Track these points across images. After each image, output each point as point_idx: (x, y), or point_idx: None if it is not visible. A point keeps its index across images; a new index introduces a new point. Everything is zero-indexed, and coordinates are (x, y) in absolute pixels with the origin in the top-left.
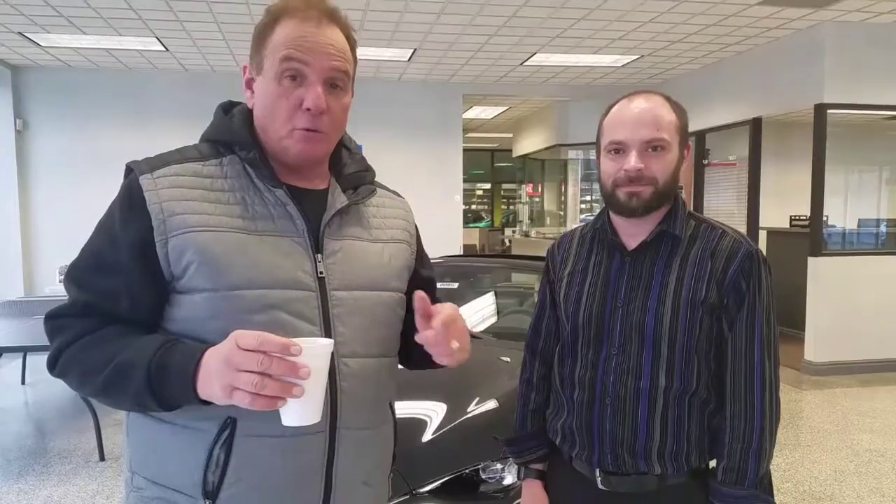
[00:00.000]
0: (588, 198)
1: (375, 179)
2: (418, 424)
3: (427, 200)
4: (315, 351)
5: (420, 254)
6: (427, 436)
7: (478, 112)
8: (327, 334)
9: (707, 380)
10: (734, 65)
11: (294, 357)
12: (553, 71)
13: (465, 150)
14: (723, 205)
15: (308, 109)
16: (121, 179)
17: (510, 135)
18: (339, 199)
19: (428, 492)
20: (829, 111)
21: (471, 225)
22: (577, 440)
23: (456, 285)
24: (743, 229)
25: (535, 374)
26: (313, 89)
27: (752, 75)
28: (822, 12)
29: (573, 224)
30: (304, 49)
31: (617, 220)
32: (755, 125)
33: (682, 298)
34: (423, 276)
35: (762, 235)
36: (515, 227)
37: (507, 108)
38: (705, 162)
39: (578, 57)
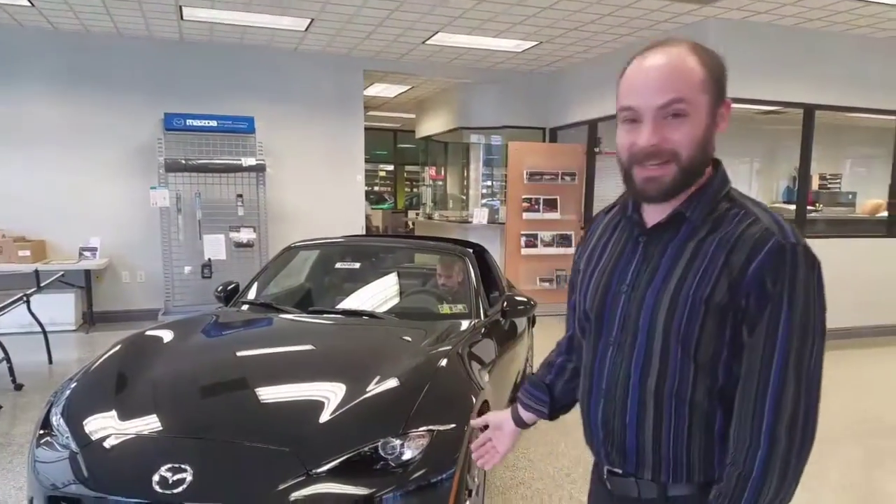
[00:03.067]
0: (490, 183)
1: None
2: (316, 405)
3: (327, 180)
4: None
5: None
6: (325, 417)
7: (380, 90)
8: None
9: (710, 392)
10: (626, 55)
11: None
12: (455, 52)
13: (368, 129)
14: (612, 193)
15: None
16: None
17: (413, 115)
18: None
19: (325, 472)
20: None
21: (374, 206)
22: (585, 430)
23: (357, 265)
24: None
25: (562, 339)
26: None
27: None
28: (707, 9)
29: (475, 209)
30: None
31: None
32: None
33: (681, 294)
34: None
35: None
36: (419, 209)
37: (409, 87)
38: (597, 150)
39: (480, 39)
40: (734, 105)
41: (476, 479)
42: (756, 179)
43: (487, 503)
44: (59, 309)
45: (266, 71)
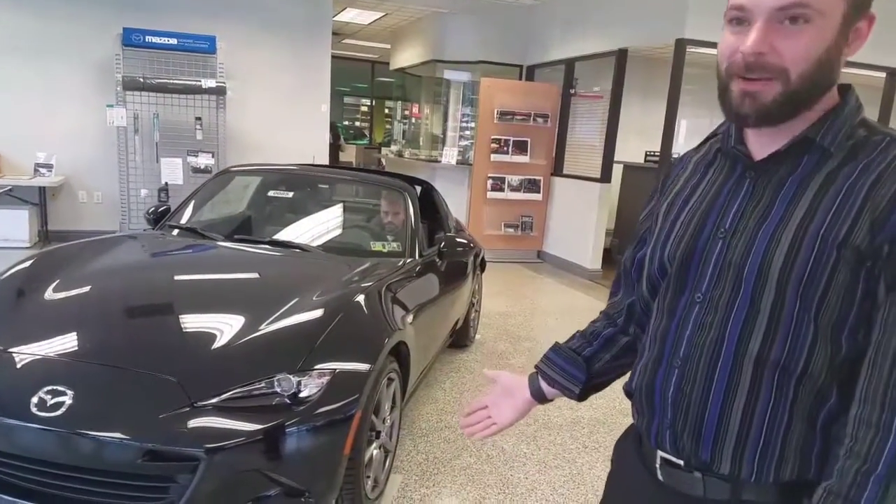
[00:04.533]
0: (472, 124)
1: None
2: (213, 336)
3: (291, 108)
4: None
5: None
6: (219, 348)
7: (353, 15)
8: None
9: (831, 363)
10: None
11: None
12: None
13: (344, 59)
14: (586, 136)
15: None
16: None
17: (388, 45)
18: None
19: (212, 405)
20: (689, 48)
21: (350, 142)
22: (640, 404)
23: (290, 195)
24: (599, 162)
25: (606, 306)
26: None
27: (621, 4)
28: None
29: (450, 148)
30: None
31: None
32: (620, 57)
33: (808, 234)
34: None
35: (618, 169)
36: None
37: (384, 13)
38: (572, 91)
39: None
40: (713, 51)
41: (388, 420)
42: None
43: (408, 445)
44: (13, 226)
45: None
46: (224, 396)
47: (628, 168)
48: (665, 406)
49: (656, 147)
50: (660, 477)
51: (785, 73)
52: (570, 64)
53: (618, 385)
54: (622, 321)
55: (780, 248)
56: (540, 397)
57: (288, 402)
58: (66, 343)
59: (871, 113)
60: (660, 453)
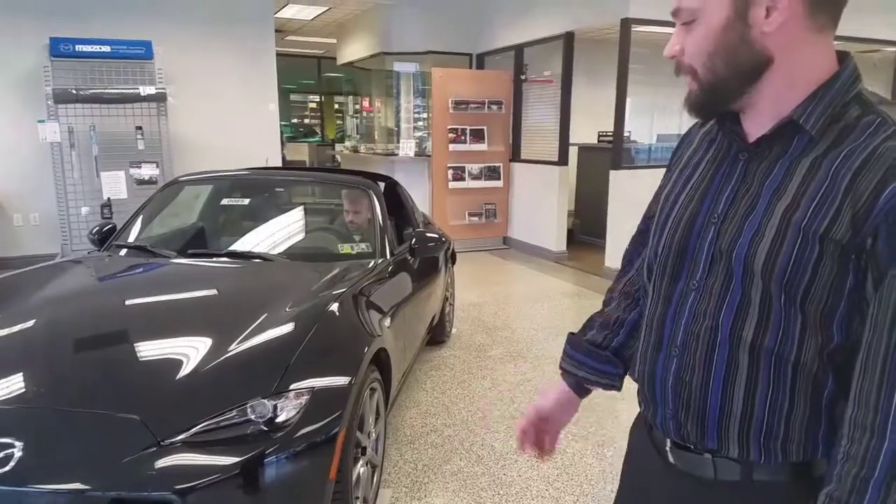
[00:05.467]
0: (426, 115)
1: None
2: (177, 364)
3: (237, 109)
4: None
5: None
6: (185, 376)
7: (295, 11)
8: None
9: (822, 351)
10: None
11: None
12: None
13: (289, 56)
14: (540, 120)
15: None
16: None
17: (334, 40)
18: None
19: (182, 441)
20: (634, 27)
21: (301, 140)
22: (643, 393)
23: (247, 201)
24: (555, 145)
25: (619, 283)
26: None
27: None
28: None
29: (407, 141)
30: None
31: None
32: (567, 40)
33: (791, 225)
34: None
35: (573, 151)
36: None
37: (327, 8)
38: (523, 77)
39: None
40: (659, 29)
41: (373, 434)
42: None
43: (394, 455)
44: None
45: None
46: (193, 430)
47: (583, 149)
48: (666, 395)
49: (608, 127)
50: (671, 460)
51: (693, 69)
52: (519, 50)
53: None
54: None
55: (763, 241)
56: (584, 392)
57: (264, 429)
58: (10, 387)
59: (883, 88)
60: (668, 439)
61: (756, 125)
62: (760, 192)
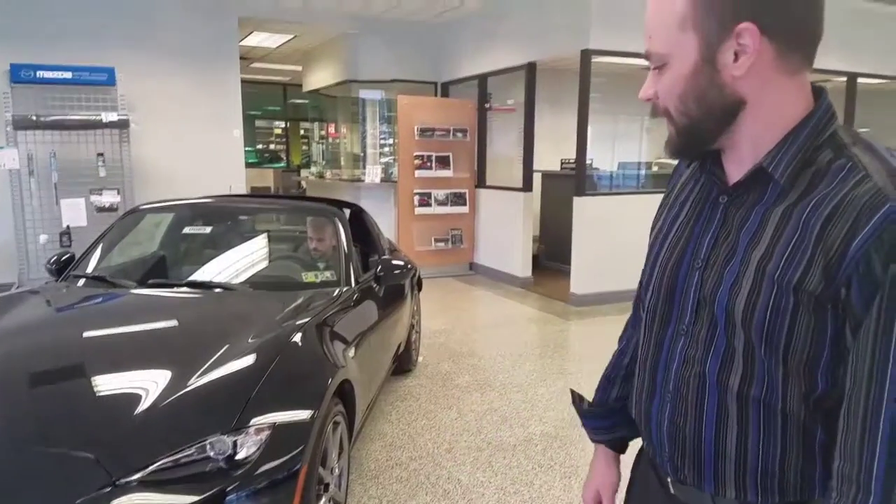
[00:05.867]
0: (391, 141)
1: None
2: (134, 399)
3: (201, 136)
4: None
5: None
6: (143, 412)
7: (261, 39)
8: None
9: (807, 399)
10: (512, 7)
11: None
12: None
13: (255, 83)
14: (505, 148)
15: None
16: None
17: (300, 68)
18: None
19: (138, 480)
20: (595, 58)
21: (266, 165)
22: (643, 433)
23: (208, 230)
24: (519, 172)
25: (626, 328)
26: None
27: (528, 19)
28: None
29: (373, 167)
30: None
31: None
32: (530, 70)
33: (766, 276)
34: None
35: (537, 178)
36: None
37: (292, 36)
38: (487, 106)
39: None
40: (617, 59)
41: (336, 469)
42: (647, 136)
43: (358, 491)
44: None
45: (128, 17)
46: (151, 469)
47: (547, 176)
48: (662, 439)
49: (571, 154)
50: (672, 491)
51: (668, 112)
52: (482, 79)
53: (569, 399)
54: None
55: (741, 292)
56: (618, 447)
57: (224, 466)
58: None
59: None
60: (670, 478)
61: (737, 165)
62: (738, 240)
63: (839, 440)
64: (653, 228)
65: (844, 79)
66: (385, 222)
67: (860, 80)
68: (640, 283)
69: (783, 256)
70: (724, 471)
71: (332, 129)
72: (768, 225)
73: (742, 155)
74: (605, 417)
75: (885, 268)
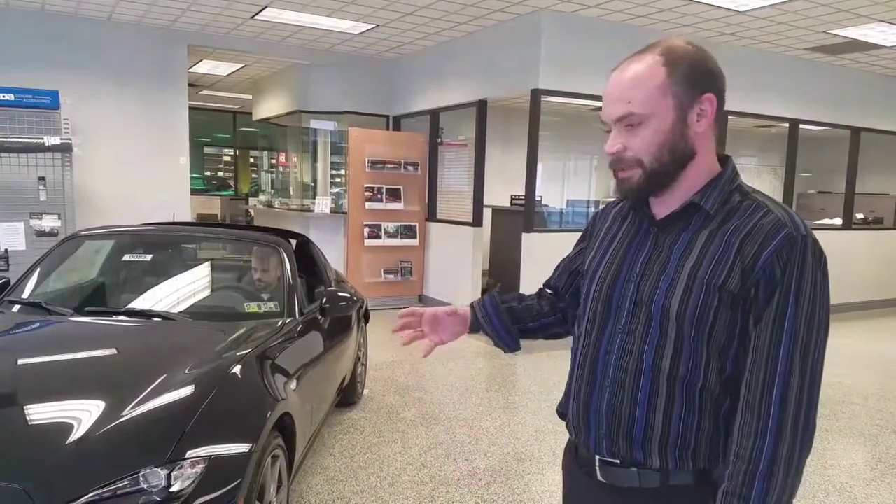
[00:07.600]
0: (343, 171)
1: None
2: (66, 429)
3: (147, 162)
4: None
5: None
6: (74, 443)
7: (210, 67)
8: None
9: (720, 378)
10: (464, 45)
11: None
12: (288, 30)
13: (204, 110)
14: (456, 182)
15: None
16: None
17: (250, 96)
18: None
19: None
20: (544, 97)
21: (213, 193)
22: (576, 423)
23: (149, 258)
24: (469, 207)
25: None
26: None
27: (479, 57)
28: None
29: (323, 197)
30: None
31: None
32: (481, 107)
33: (696, 280)
34: None
35: (487, 213)
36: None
37: (242, 65)
38: (439, 141)
39: (313, 18)
40: (565, 100)
41: None
42: (595, 174)
43: None
44: None
45: (74, 41)
46: (82, 501)
47: (497, 211)
48: (600, 420)
49: (521, 190)
50: (599, 477)
51: (640, 161)
52: (434, 114)
53: (514, 434)
54: (561, 315)
55: (676, 294)
56: (473, 330)
57: (158, 499)
58: None
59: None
60: (598, 457)
61: (664, 206)
62: (670, 257)
63: (741, 402)
64: (578, 253)
65: (787, 124)
66: (334, 253)
67: (802, 126)
68: (586, 296)
69: (711, 264)
70: (652, 441)
71: (282, 158)
72: (697, 243)
73: (673, 197)
74: (496, 307)
75: (783, 272)
